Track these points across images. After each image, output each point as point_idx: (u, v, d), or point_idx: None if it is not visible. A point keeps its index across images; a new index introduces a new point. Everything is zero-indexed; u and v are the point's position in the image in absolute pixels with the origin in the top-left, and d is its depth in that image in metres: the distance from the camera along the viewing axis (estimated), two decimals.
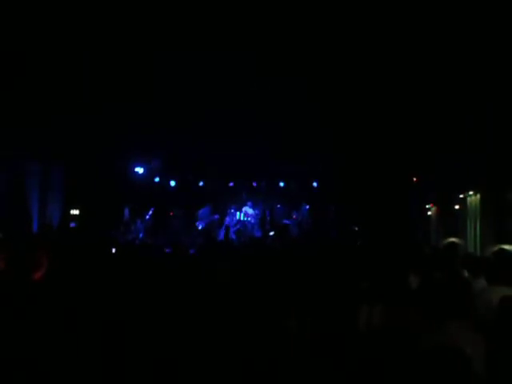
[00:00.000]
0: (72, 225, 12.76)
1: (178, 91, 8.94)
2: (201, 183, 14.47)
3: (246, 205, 13.94)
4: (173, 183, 14.46)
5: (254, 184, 14.28)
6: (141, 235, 12.97)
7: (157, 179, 14.44)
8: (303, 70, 8.12)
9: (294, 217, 14.11)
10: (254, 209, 13.93)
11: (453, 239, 4.66)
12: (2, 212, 11.84)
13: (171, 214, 14.34)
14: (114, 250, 6.57)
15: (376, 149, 11.33)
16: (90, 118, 9.74)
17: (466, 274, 3.70)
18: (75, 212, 13.72)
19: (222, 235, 13.19)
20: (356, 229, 13.31)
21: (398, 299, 2.43)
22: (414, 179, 12.76)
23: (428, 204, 12.77)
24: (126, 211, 13.64)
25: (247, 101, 8.97)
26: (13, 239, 7.52)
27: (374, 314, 2.35)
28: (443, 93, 8.13)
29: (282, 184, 14.33)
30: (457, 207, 10.76)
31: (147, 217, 13.58)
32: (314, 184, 14.04)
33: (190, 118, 10.18)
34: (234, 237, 13.06)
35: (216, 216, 13.80)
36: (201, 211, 13.84)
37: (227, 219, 13.72)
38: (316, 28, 7.25)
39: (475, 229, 9.65)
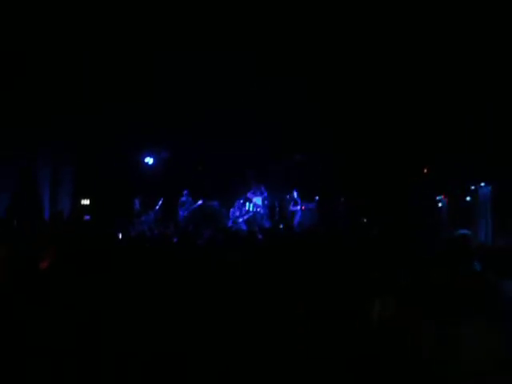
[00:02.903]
0: (86, 217, 12.85)
1: (188, 82, 8.92)
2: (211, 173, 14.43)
3: (255, 195, 13.91)
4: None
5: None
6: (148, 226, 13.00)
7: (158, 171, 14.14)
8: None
9: (303, 207, 14.07)
10: (263, 199, 13.90)
11: (464, 231, 4.57)
12: (15, 203, 11.99)
13: None
14: (123, 241, 6.60)
15: (387, 139, 11.24)
16: (100, 108, 9.76)
17: (477, 266, 3.66)
18: (86, 202, 13.82)
19: (230, 225, 13.21)
20: (365, 220, 13.26)
21: (409, 293, 2.40)
22: (425, 170, 12.65)
23: (439, 195, 12.68)
24: (137, 202, 13.68)
25: (258, 91, 8.92)
26: (24, 229, 7.61)
27: (386, 307, 2.32)
28: (458, 82, 8.03)
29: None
30: (468, 199, 10.68)
31: (157, 207, 13.61)
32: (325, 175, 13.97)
33: (201, 107, 10.16)
34: (244, 227, 13.07)
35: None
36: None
37: (235, 210, 13.71)
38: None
39: (486, 220, 9.59)
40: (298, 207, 13.76)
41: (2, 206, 12.13)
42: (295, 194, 13.73)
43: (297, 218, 13.66)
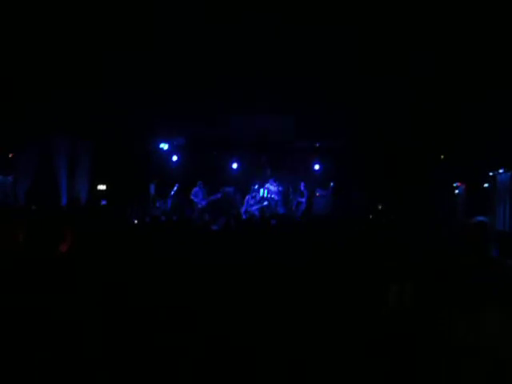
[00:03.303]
0: (103, 202, 13.02)
1: (201, 66, 8.87)
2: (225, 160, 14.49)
3: (269, 182, 13.89)
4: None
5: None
6: (165, 211, 13.12)
7: (175, 158, 14.42)
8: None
9: (318, 194, 14.01)
10: (277, 186, 13.88)
11: (481, 218, 4.50)
12: (33, 186, 12.23)
13: None
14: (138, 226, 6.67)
15: (403, 125, 11.08)
16: (116, 94, 9.79)
17: (495, 253, 3.61)
18: (102, 187, 14.00)
19: (243, 212, 13.24)
20: (380, 207, 13.16)
21: (427, 279, 2.39)
22: (442, 156, 12.48)
23: (456, 182, 12.51)
24: (152, 187, 13.79)
25: (274, 75, 8.83)
26: (41, 212, 7.74)
27: (403, 293, 2.31)
28: (474, 67, 7.85)
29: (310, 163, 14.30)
30: (486, 185, 10.53)
31: (172, 193, 13.69)
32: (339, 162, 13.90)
33: (211, 93, 10.11)
34: (256, 214, 13.09)
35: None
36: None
37: (250, 197, 13.72)
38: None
39: (504, 207, 9.45)
40: (304, 199, 13.76)
41: (21, 192, 12.39)
42: (302, 186, 13.74)
43: (301, 208, 13.67)
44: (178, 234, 4.98)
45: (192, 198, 13.65)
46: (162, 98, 10.39)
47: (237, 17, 7.04)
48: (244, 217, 12.29)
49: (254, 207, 13.49)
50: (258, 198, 13.72)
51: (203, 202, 13.59)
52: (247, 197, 13.70)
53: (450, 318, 1.95)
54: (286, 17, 7.05)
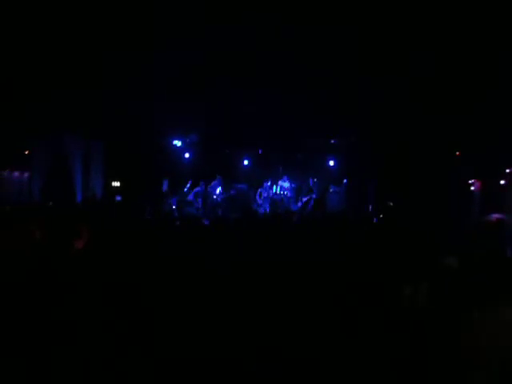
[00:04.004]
0: (118, 198, 13.15)
1: (216, 68, 8.87)
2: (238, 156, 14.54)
3: (281, 178, 13.89)
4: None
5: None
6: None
7: (187, 155, 14.56)
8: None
9: (332, 190, 13.97)
10: (290, 182, 13.88)
11: (497, 215, 4.45)
12: (48, 183, 12.41)
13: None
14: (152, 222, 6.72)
15: (417, 120, 10.97)
16: (129, 91, 9.85)
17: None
18: (116, 184, 14.15)
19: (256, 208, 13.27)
20: (391, 204, 13.06)
21: (441, 278, 2.37)
22: (457, 153, 12.34)
23: (471, 179, 12.37)
24: (165, 184, 13.87)
25: (287, 70, 8.78)
26: (58, 209, 7.86)
27: (419, 292, 2.30)
28: (491, 63, 7.74)
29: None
30: (502, 182, 10.39)
31: (185, 190, 13.75)
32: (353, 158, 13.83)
33: (224, 90, 10.11)
34: (267, 208, 13.13)
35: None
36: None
37: (263, 192, 13.73)
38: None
39: None
40: (314, 196, 13.72)
41: (36, 189, 12.58)
42: (311, 182, 13.72)
43: (310, 205, 13.65)
44: (190, 232, 5.01)
45: (210, 190, 13.73)
46: (175, 96, 10.43)
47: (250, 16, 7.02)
48: (256, 210, 12.35)
49: (266, 203, 13.51)
50: (271, 194, 13.73)
51: (219, 199, 13.67)
52: (259, 191, 13.73)
53: (462, 317, 1.94)
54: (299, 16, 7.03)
